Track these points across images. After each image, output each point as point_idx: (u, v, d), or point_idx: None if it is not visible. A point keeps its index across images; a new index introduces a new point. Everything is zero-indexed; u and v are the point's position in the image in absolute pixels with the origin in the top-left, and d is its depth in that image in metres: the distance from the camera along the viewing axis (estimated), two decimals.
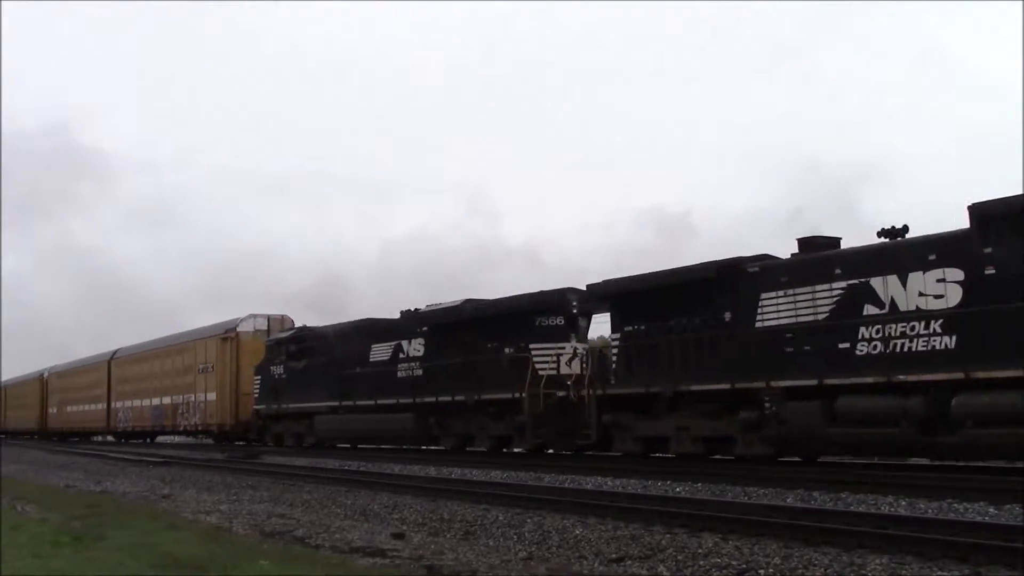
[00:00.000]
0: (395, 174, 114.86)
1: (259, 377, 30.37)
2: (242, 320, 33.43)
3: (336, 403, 25.68)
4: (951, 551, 7.10)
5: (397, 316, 25.02)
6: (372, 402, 24.08)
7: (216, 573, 7.74)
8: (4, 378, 66.81)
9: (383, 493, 13.73)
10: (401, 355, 23.53)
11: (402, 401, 22.88)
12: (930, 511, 9.46)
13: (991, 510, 9.31)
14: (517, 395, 19.09)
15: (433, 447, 23.47)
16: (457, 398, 21.06)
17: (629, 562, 7.72)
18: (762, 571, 7.10)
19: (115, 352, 45.67)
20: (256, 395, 30.65)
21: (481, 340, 21.13)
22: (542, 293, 20.65)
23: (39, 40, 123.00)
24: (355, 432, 25.87)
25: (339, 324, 27.94)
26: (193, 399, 35.22)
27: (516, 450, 21.24)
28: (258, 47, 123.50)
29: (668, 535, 8.71)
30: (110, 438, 46.90)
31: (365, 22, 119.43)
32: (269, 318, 33.69)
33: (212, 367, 33.82)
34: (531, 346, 19.74)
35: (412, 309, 24.41)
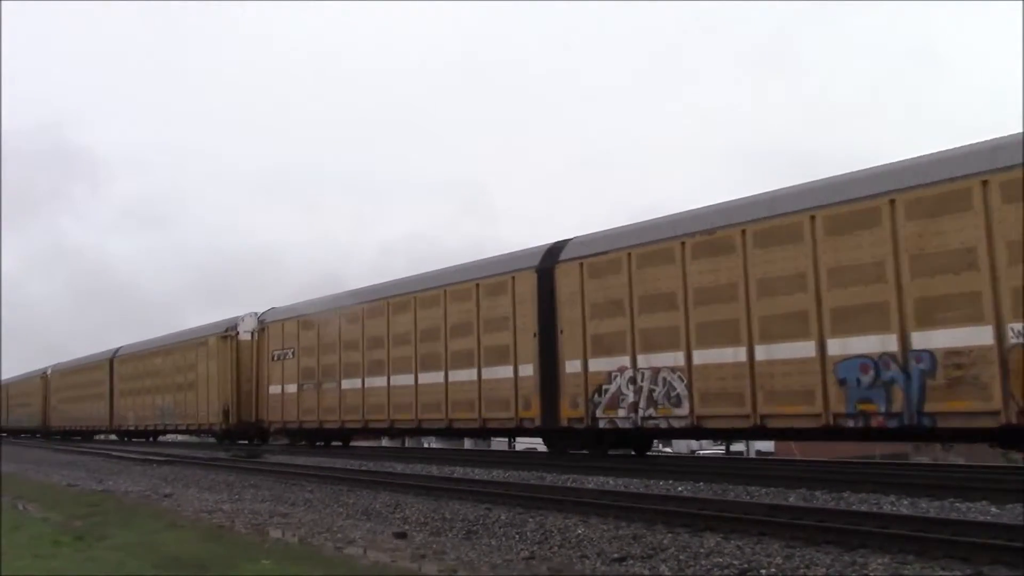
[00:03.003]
0: (393, 174, 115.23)
1: None
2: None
3: None
4: (953, 550, 7.09)
5: None
6: None
7: (217, 572, 7.74)
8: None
9: (385, 492, 13.73)
10: None
11: None
12: (932, 510, 9.44)
13: (993, 509, 9.29)
14: None
15: None
16: None
17: (631, 562, 7.71)
18: (764, 571, 7.09)
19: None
20: None
21: None
22: None
23: (31, 39, 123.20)
24: None
25: None
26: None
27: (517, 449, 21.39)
28: (254, 47, 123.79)
29: (670, 534, 8.71)
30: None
31: (363, 23, 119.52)
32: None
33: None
34: None
35: None
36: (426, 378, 21.52)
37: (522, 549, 8.61)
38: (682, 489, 12.14)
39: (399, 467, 18.13)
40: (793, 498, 10.76)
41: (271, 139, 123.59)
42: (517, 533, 9.44)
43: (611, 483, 13.35)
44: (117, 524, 11.08)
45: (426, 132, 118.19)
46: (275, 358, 28.97)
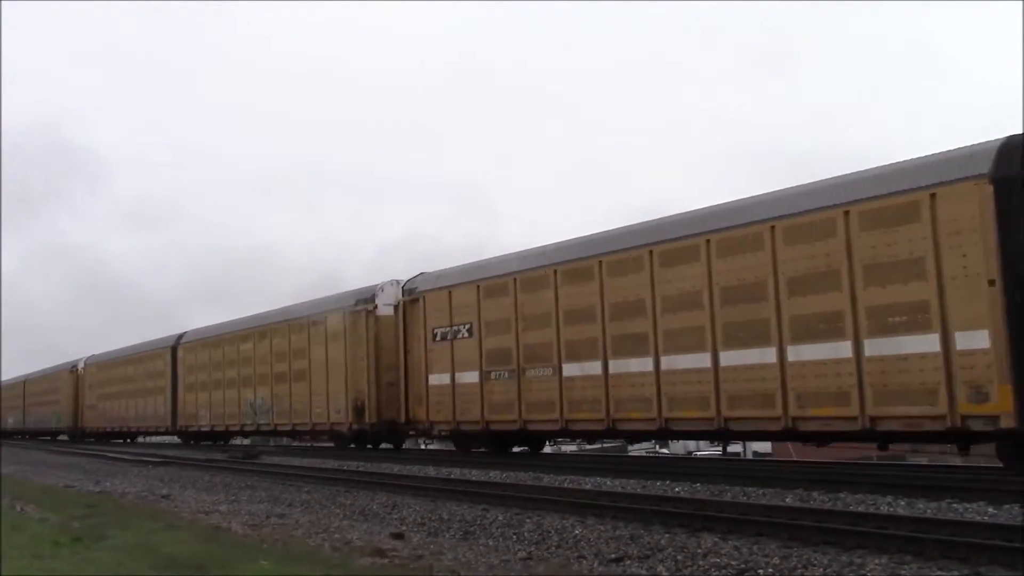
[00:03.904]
0: (392, 174, 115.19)
1: None
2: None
3: None
4: (950, 551, 7.10)
5: None
6: None
7: (215, 573, 7.74)
8: (4, 378, 64.49)
9: (382, 493, 13.73)
10: None
11: None
12: (929, 511, 9.45)
13: (990, 510, 9.30)
14: None
15: None
16: None
17: (628, 562, 7.72)
18: (761, 571, 7.10)
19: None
20: None
21: None
22: None
23: (30, 38, 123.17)
24: None
25: None
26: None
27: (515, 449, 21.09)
28: (253, 48, 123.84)
29: (667, 535, 8.71)
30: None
31: (361, 23, 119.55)
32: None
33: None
34: None
35: None
36: (735, 357, 14.71)
37: (519, 550, 8.61)
38: (679, 490, 12.14)
39: (396, 468, 18.14)
40: (790, 499, 10.77)
41: (271, 139, 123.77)
42: (514, 534, 9.44)
43: (608, 483, 13.36)
44: (115, 525, 11.08)
45: (425, 132, 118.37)
46: (438, 338, 21.18)
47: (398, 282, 23.55)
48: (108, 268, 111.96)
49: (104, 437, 44.66)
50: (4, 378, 64.72)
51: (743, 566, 7.24)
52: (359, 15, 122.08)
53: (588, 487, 12.92)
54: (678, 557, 7.73)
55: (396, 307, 23.11)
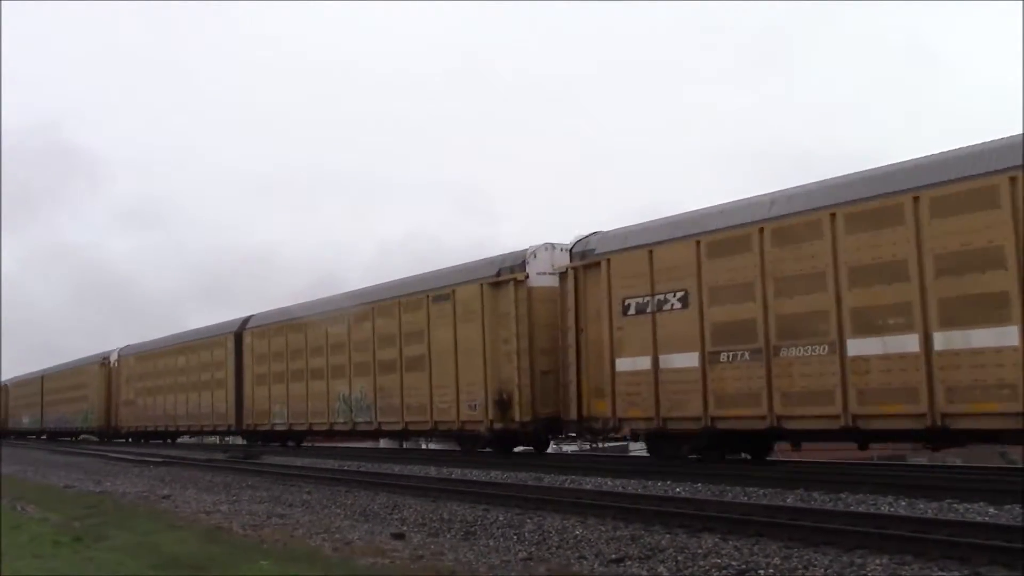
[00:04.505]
0: (392, 174, 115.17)
1: None
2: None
3: None
4: (951, 551, 7.10)
5: None
6: None
7: (216, 573, 7.75)
8: (4, 377, 62.48)
9: (383, 493, 13.74)
10: None
11: None
12: (930, 511, 9.45)
13: (991, 510, 9.30)
14: None
15: None
16: None
17: (629, 562, 7.72)
18: (762, 571, 7.10)
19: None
20: None
21: None
22: None
23: (30, 38, 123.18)
24: None
25: None
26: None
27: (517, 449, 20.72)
28: (252, 48, 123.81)
29: (668, 535, 8.72)
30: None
31: (362, 23, 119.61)
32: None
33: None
34: None
35: None
36: None
37: (520, 550, 8.61)
38: (680, 490, 12.14)
39: (397, 468, 18.14)
40: (791, 499, 10.77)
41: (271, 139, 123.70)
42: (515, 534, 9.44)
43: (609, 484, 13.37)
44: (115, 525, 11.08)
45: (425, 132, 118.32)
46: (631, 311, 16.47)
47: (552, 246, 19.12)
48: (108, 268, 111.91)
49: (143, 437, 40.10)
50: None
51: (744, 566, 7.24)
52: (360, 15, 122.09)
53: (589, 487, 12.93)
54: (679, 557, 7.73)
55: (566, 272, 18.01)
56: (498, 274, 19.73)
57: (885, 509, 9.78)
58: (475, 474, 15.76)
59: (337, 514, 11.94)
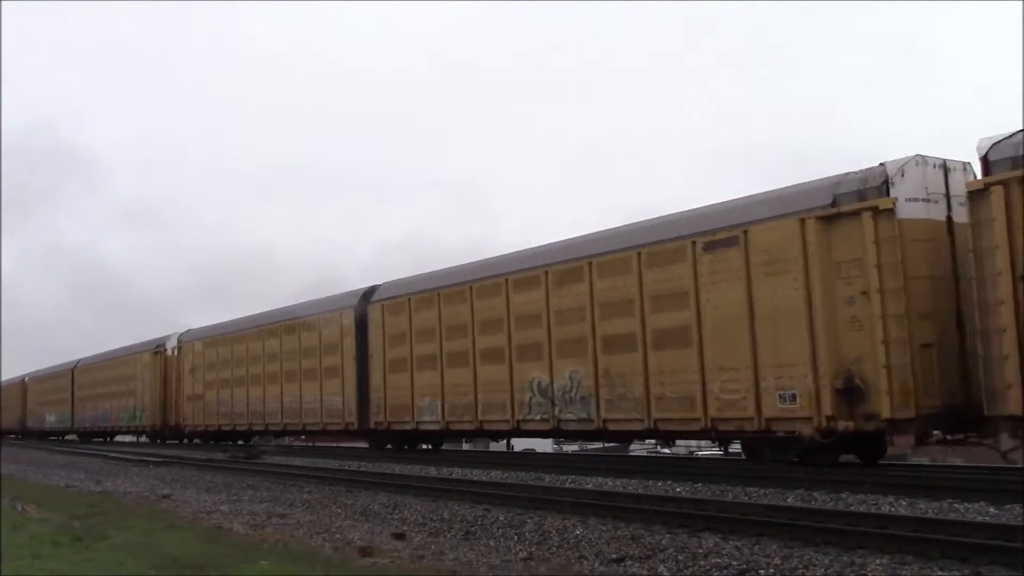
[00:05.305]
0: (392, 174, 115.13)
1: None
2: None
3: None
4: (951, 551, 7.10)
5: None
6: None
7: (216, 573, 7.74)
8: (4, 377, 60.74)
9: (383, 493, 13.73)
10: None
11: None
12: (930, 511, 9.45)
13: (991, 510, 9.30)
14: None
15: None
16: None
17: (629, 562, 7.72)
18: (762, 571, 7.10)
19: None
20: None
21: None
22: None
23: (29, 38, 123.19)
24: None
25: None
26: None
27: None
28: (250, 47, 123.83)
29: (668, 535, 8.71)
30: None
31: (362, 23, 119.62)
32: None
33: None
34: None
35: None
36: None
37: (520, 550, 8.61)
38: (680, 490, 12.14)
39: (398, 468, 18.13)
40: (791, 499, 10.77)
41: (270, 139, 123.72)
42: (515, 534, 9.44)
43: (609, 484, 13.37)
44: (116, 525, 11.07)
45: (425, 132, 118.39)
46: None
47: (925, 160, 13.16)
48: (106, 267, 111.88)
49: (212, 438, 33.48)
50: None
51: (744, 566, 7.23)
52: (359, 15, 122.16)
53: (589, 487, 12.93)
54: (679, 557, 7.73)
55: (973, 196, 11.86)
56: (833, 203, 13.44)
57: (886, 509, 9.78)
58: (475, 474, 15.76)
59: (338, 514, 11.94)
